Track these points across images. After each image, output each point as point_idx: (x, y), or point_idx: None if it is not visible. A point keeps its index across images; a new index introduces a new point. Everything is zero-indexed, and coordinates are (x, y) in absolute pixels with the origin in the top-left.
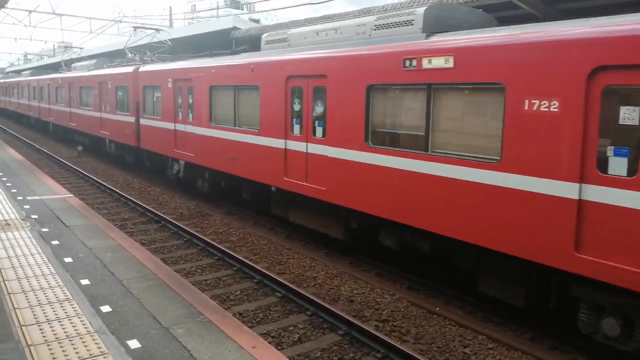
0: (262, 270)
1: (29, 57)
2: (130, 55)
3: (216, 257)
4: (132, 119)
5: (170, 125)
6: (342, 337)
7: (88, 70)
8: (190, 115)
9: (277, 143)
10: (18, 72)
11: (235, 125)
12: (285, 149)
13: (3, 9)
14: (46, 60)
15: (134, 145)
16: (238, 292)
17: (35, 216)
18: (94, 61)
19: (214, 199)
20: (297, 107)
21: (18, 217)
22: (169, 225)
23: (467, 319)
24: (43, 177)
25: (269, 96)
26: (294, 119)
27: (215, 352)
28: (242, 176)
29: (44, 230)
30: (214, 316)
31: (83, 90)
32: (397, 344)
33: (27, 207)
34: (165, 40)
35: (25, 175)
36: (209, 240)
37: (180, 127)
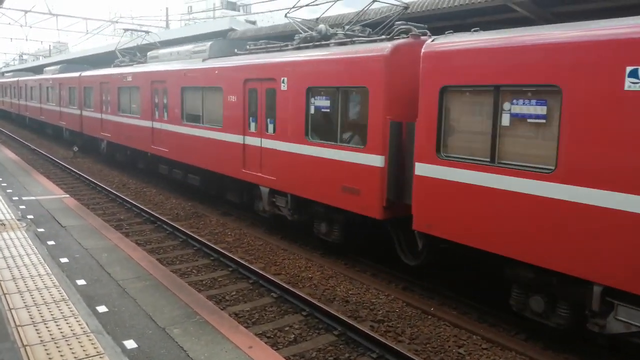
0: (258, 271)
1: (24, 57)
2: (323, 26)
3: (212, 258)
4: (370, 160)
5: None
6: (337, 338)
7: (203, 61)
8: None
9: None
10: (33, 70)
11: None
12: None
13: None
14: (84, 53)
15: (380, 219)
16: (234, 293)
17: (31, 216)
18: (207, 44)
19: (209, 199)
20: None
21: (14, 218)
22: (165, 226)
23: (462, 320)
24: (39, 177)
25: None
26: None
27: (212, 352)
28: None
29: (39, 230)
30: (210, 316)
31: (189, 93)
32: (392, 344)
33: (23, 207)
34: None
35: (20, 175)
36: (204, 241)
37: None
